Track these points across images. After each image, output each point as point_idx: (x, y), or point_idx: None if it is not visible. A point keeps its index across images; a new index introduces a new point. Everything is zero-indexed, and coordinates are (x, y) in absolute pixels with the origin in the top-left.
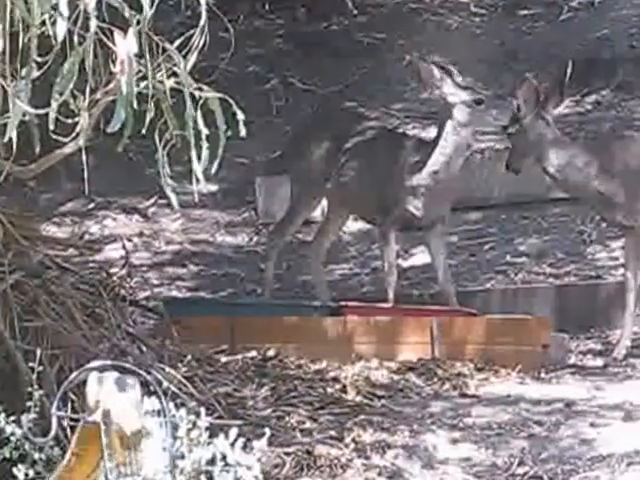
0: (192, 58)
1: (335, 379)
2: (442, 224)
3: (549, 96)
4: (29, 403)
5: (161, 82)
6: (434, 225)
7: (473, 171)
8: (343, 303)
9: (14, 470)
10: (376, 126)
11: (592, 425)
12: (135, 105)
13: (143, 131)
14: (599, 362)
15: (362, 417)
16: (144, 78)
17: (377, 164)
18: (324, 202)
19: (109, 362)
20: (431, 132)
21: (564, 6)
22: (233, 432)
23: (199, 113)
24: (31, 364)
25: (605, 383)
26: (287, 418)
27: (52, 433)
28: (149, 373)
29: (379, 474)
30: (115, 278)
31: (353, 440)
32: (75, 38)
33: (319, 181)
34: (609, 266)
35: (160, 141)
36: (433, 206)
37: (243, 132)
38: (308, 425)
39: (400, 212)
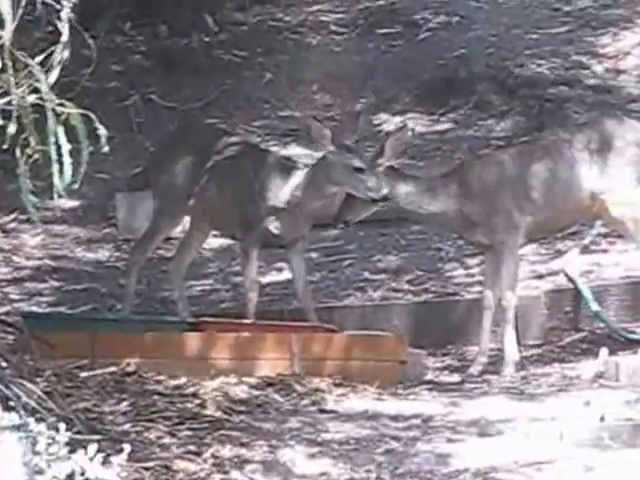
0: (54, 74)
1: (194, 394)
2: (302, 241)
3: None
4: None
5: (23, 97)
6: (295, 243)
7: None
8: (203, 319)
9: None
10: (239, 142)
11: (448, 440)
12: None
13: (4, 146)
14: (456, 378)
15: (221, 432)
16: (6, 94)
17: (239, 181)
18: (186, 218)
19: None
20: (291, 149)
21: (423, 26)
22: (92, 447)
23: (61, 128)
24: None
25: (461, 399)
26: (146, 433)
27: None
28: (8, 388)
29: None
30: None
31: (212, 455)
32: None
33: (181, 197)
34: (466, 283)
35: (22, 156)
36: (293, 226)
37: (105, 148)
38: (167, 440)
39: (261, 230)
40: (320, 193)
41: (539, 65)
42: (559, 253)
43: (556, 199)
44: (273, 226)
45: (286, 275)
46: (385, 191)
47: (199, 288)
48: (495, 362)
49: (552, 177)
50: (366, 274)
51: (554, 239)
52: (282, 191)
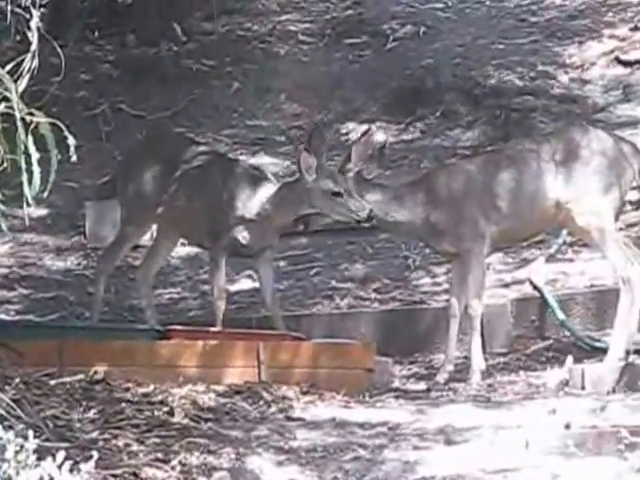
0: (23, 82)
1: (162, 402)
2: (270, 250)
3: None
4: None
5: None
6: (262, 252)
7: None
8: (171, 327)
9: None
10: (207, 151)
11: (415, 448)
12: None
13: None
14: (422, 386)
15: (189, 440)
16: None
17: (208, 191)
18: (153, 226)
19: None
20: (259, 158)
21: (390, 36)
22: (60, 455)
23: (30, 137)
24: None
25: (428, 407)
26: (114, 441)
27: None
28: None
29: None
30: None
31: (180, 462)
32: None
33: (149, 206)
34: (433, 292)
35: None
36: (261, 237)
37: (74, 157)
38: (135, 448)
39: (229, 239)
40: (293, 212)
41: (505, 75)
42: (525, 262)
43: (522, 208)
44: (241, 236)
45: (254, 283)
46: (367, 212)
47: (167, 296)
48: (462, 370)
49: (518, 186)
50: (333, 282)
51: (520, 248)
52: (251, 202)
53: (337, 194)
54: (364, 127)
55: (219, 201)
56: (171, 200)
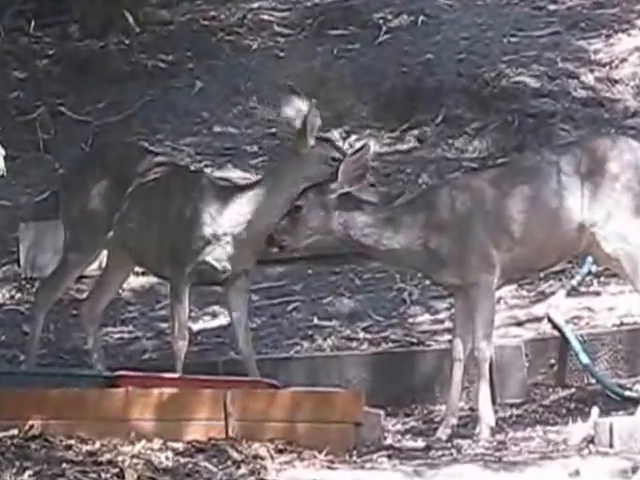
0: None
1: (110, 462)
2: (245, 277)
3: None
4: None
5: None
6: (236, 279)
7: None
8: (121, 373)
9: None
10: (166, 162)
11: None
12: None
13: None
14: (420, 443)
15: None
16: None
17: (168, 208)
18: (103, 252)
19: None
20: (227, 172)
21: (382, 26)
22: None
23: None
24: None
25: (427, 468)
26: None
27: None
28: None
29: None
30: None
31: None
32: None
33: (98, 228)
34: (432, 331)
35: None
36: (236, 257)
37: (3, 170)
38: None
39: (197, 264)
40: (279, 204)
41: (519, 74)
42: (543, 296)
43: (539, 232)
44: (212, 258)
45: (220, 320)
46: None
47: (117, 336)
48: (467, 424)
49: (534, 206)
50: (314, 320)
51: (537, 279)
52: (223, 215)
53: (336, 160)
54: (352, 137)
55: (182, 219)
56: (124, 220)
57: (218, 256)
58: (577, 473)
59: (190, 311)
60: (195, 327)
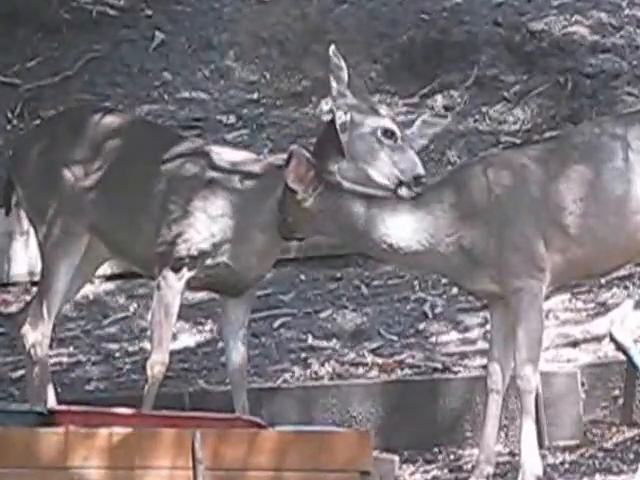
0: None
1: None
2: (254, 286)
3: None
4: None
5: None
6: (247, 287)
7: None
8: (59, 407)
9: None
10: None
11: None
12: None
13: None
14: None
15: None
16: None
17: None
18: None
19: None
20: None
21: None
22: None
23: None
24: None
25: None
26: None
27: None
28: None
29: None
30: None
31: None
32: None
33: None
34: (461, 353)
35: None
36: (262, 255)
37: None
38: None
39: (207, 267)
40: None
41: (573, 23)
42: (604, 308)
43: (600, 226)
44: (229, 257)
45: (186, 341)
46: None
47: (54, 360)
48: (506, 473)
49: (594, 191)
50: (309, 339)
51: (596, 287)
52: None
53: (390, 135)
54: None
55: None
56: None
57: (242, 251)
58: None
59: (142, 330)
60: None
